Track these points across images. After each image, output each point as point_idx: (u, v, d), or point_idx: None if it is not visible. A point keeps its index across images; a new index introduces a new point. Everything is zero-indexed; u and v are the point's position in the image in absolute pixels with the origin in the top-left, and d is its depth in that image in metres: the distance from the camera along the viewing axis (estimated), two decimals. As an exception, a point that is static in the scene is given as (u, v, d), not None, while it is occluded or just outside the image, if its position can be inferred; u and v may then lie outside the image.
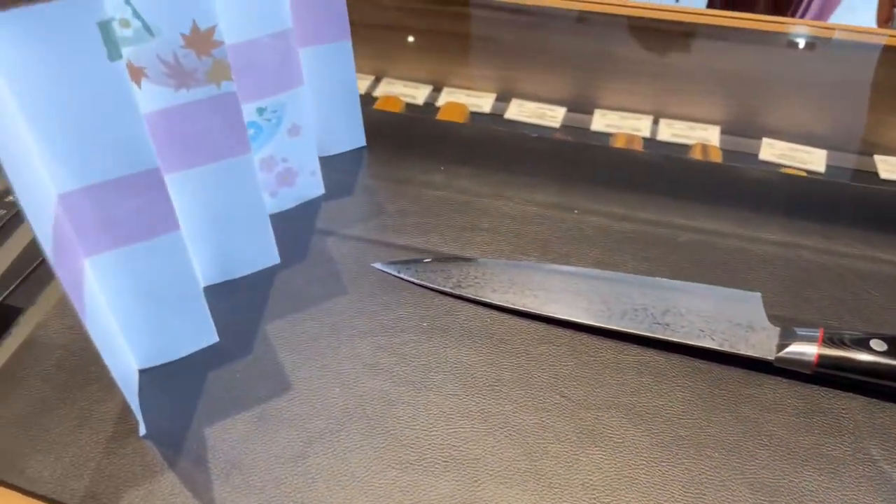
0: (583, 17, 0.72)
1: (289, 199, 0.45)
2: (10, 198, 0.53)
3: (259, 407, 0.35)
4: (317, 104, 0.45)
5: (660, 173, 0.48)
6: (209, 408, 0.35)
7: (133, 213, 0.30)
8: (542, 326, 0.38)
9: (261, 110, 0.40)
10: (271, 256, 0.42)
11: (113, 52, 0.26)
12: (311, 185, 0.46)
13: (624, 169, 0.49)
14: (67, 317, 0.40)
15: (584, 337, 0.38)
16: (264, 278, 0.42)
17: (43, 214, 0.26)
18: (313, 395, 0.36)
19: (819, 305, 0.39)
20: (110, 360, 0.30)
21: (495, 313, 0.39)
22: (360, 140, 0.50)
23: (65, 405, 0.35)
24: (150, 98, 0.32)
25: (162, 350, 0.37)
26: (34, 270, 0.47)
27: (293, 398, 0.36)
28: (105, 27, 0.25)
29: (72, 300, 0.27)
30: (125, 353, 0.35)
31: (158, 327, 0.35)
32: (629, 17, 0.71)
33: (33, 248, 0.48)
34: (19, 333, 0.42)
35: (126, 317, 0.34)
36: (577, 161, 0.50)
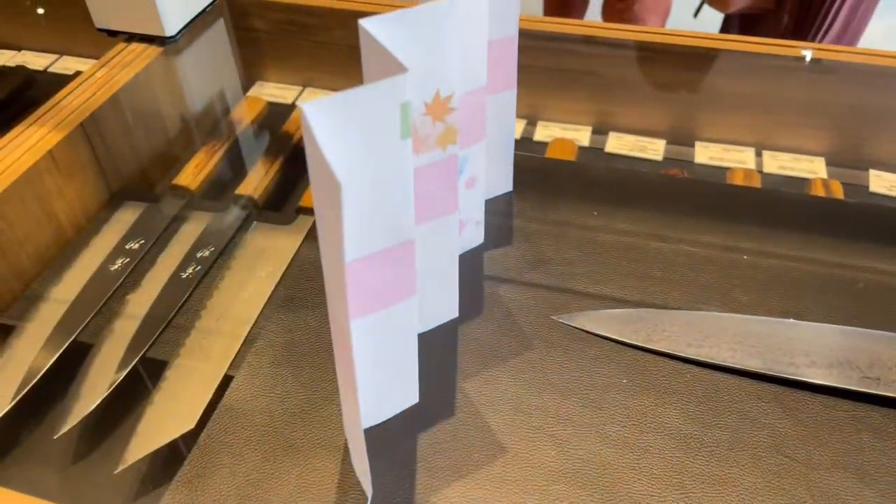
0: (671, 51, 0.72)
1: (455, 249, 0.45)
2: (130, 245, 0.52)
3: (480, 472, 0.35)
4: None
5: (815, 213, 0.48)
6: (428, 473, 0.34)
7: (387, 281, 0.30)
8: (744, 381, 0.38)
9: (449, 165, 0.39)
10: (452, 310, 0.41)
11: (405, 131, 0.25)
12: (475, 234, 0.45)
13: (774, 209, 0.49)
14: (258, 378, 0.39)
15: (791, 392, 0.37)
16: (447, 333, 0.41)
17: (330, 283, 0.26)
18: (529, 457, 0.35)
19: None
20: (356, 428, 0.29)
21: (692, 368, 0.39)
22: (508, 185, 0.50)
23: (279, 475, 0.35)
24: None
25: (373, 412, 0.36)
26: (171, 321, 0.46)
27: (510, 462, 0.35)
28: (405, 108, 0.25)
29: (354, 368, 0.27)
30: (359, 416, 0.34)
31: (376, 389, 0.35)
32: (719, 50, 0.70)
33: (166, 298, 0.47)
34: (168, 388, 0.41)
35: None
36: (725, 202, 0.49)
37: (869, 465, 0.34)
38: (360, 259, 0.27)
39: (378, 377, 0.34)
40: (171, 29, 0.65)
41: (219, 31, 0.70)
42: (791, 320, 0.40)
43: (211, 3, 0.70)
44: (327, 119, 0.23)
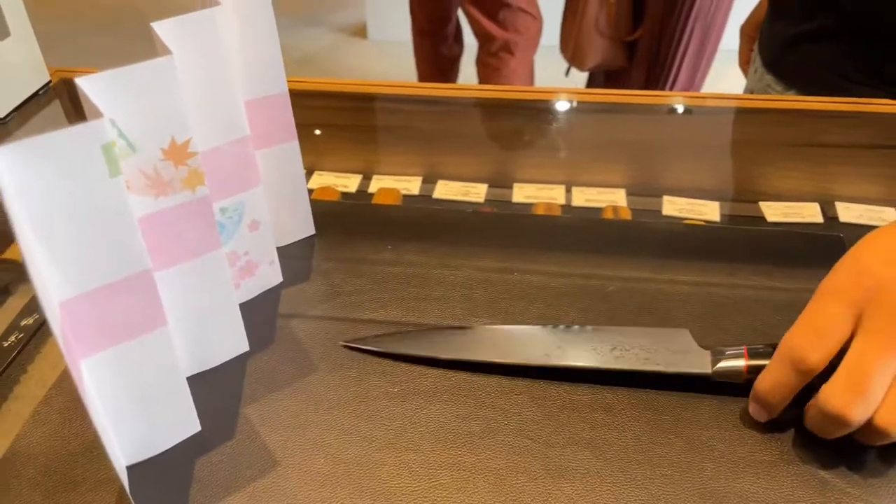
0: (493, 104, 0.79)
1: (251, 290, 0.48)
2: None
3: (250, 486, 0.37)
4: (271, 199, 0.49)
5: (583, 234, 0.54)
6: (201, 494, 0.37)
7: (126, 313, 0.33)
8: (502, 379, 0.42)
9: (223, 210, 0.43)
10: (241, 344, 0.44)
11: (113, 169, 0.29)
12: (271, 274, 0.49)
13: (552, 232, 0.55)
14: (46, 425, 0.41)
15: (540, 383, 0.42)
16: (236, 366, 0.44)
17: (55, 324, 0.28)
18: (300, 468, 0.38)
19: (733, 333, 0.45)
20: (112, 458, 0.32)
21: (459, 373, 0.43)
22: (310, 229, 0.54)
23: (55, 510, 0.36)
24: (133, 207, 0.35)
25: (147, 444, 0.38)
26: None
27: (281, 473, 0.38)
28: (108, 149, 0.29)
29: (85, 404, 0.29)
30: (116, 451, 0.36)
31: (144, 422, 0.37)
32: (535, 101, 0.79)
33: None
34: None
35: (114, 414, 0.36)
36: (510, 229, 0.55)
37: (599, 438, 0.39)
38: (81, 295, 0.30)
39: (147, 409, 0.37)
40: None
41: (54, 112, 0.73)
42: (547, 325, 0.45)
43: (44, 87, 0.73)
44: (26, 162, 0.27)
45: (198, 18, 0.36)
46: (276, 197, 0.49)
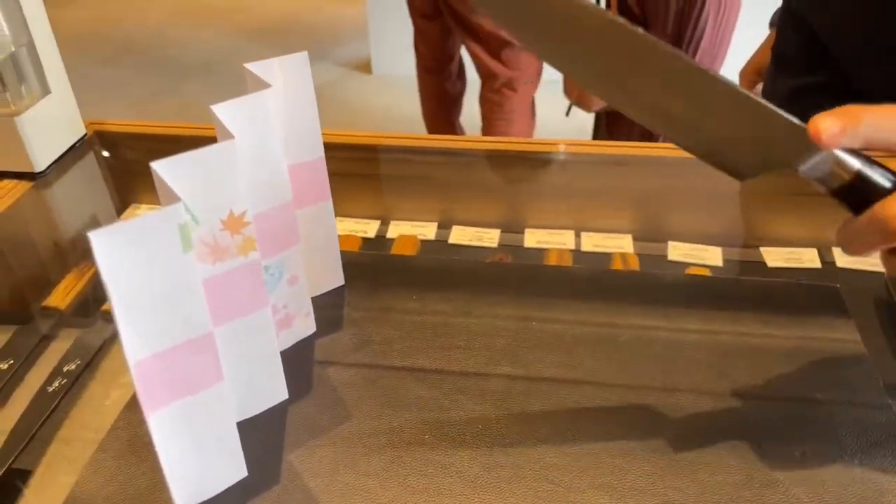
0: (502, 154, 0.83)
1: (287, 340, 0.51)
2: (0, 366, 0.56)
3: (296, 528, 0.40)
4: (306, 254, 0.52)
5: (596, 284, 0.58)
6: (251, 536, 0.40)
7: (189, 371, 0.36)
8: (525, 426, 0.46)
9: (267, 268, 0.47)
10: (281, 393, 0.47)
11: (186, 245, 0.33)
12: (306, 325, 0.52)
13: (566, 282, 0.58)
14: (103, 471, 0.44)
15: (562, 433, 0.45)
16: (277, 413, 0.47)
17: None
18: (341, 511, 0.41)
19: (737, 380, 0.48)
20: None
21: (485, 419, 0.46)
22: (339, 280, 0.57)
23: (117, 552, 0.39)
24: (194, 273, 0.38)
25: (199, 490, 0.41)
26: (37, 431, 0.50)
27: (324, 517, 0.41)
28: (184, 228, 0.32)
29: (158, 453, 0.32)
30: (176, 496, 0.39)
31: (199, 468, 0.40)
32: (543, 152, 0.83)
33: (33, 412, 0.51)
34: (31, 495, 0.45)
35: (171, 463, 0.39)
36: (527, 279, 0.59)
37: (619, 483, 0.42)
38: (153, 355, 0.34)
39: (202, 456, 0.40)
40: (40, 165, 0.71)
41: (89, 163, 0.77)
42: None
43: (80, 139, 0.77)
44: (115, 243, 0.30)
45: (252, 101, 0.40)
46: (310, 252, 0.53)
